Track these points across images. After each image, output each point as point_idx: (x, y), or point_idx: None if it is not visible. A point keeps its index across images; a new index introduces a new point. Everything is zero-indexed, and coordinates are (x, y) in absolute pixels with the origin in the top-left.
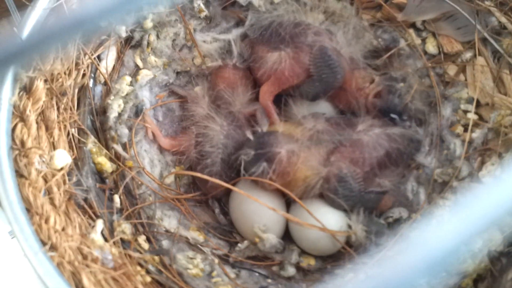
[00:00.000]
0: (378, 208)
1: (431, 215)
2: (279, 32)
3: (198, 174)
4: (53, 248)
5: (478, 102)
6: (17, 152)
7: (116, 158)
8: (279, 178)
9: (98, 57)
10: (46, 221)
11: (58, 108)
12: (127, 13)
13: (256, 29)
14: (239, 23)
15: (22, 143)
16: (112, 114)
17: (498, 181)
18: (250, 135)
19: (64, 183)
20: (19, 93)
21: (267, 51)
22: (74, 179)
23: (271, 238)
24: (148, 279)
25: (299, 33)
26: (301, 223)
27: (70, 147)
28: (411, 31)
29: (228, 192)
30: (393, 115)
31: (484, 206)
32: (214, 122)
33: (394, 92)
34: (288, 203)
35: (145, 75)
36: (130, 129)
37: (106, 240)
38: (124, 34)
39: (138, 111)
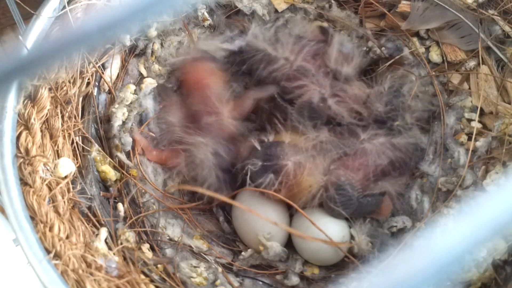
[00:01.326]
0: (380, 212)
1: (435, 223)
2: (253, 71)
3: (200, 189)
4: (57, 256)
5: (482, 110)
6: (21, 160)
7: (120, 166)
8: (286, 189)
9: (103, 65)
10: (50, 229)
11: (62, 117)
12: (132, 23)
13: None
14: (243, 32)
15: (27, 151)
16: (116, 123)
17: (502, 189)
18: (257, 145)
19: (68, 191)
20: (23, 101)
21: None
22: (78, 187)
23: (275, 246)
24: (152, 287)
25: (267, 77)
26: (304, 237)
27: (74, 155)
28: (414, 39)
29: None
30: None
31: (487, 214)
32: (196, 145)
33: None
34: (292, 212)
35: (149, 83)
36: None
37: (110, 248)
38: (128, 43)
39: (142, 120)
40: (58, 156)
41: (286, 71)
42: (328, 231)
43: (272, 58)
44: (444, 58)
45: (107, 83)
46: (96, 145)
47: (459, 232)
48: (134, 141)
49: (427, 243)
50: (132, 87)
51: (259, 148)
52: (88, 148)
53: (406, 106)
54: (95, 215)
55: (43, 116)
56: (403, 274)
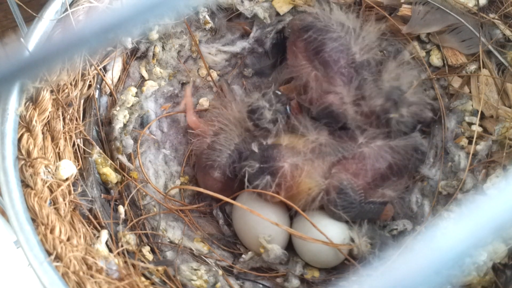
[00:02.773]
0: (380, 218)
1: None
2: (322, 48)
3: (201, 189)
4: (58, 258)
5: (482, 114)
6: (23, 162)
7: (121, 168)
8: (283, 191)
9: (104, 68)
10: (52, 231)
11: (64, 119)
12: (134, 26)
13: (305, 22)
14: (244, 35)
15: (28, 153)
16: (118, 125)
17: (501, 190)
18: (255, 148)
19: (70, 193)
20: (25, 103)
21: (303, 57)
22: (79, 189)
23: (276, 249)
24: None
25: (337, 61)
26: (304, 238)
27: (76, 157)
28: (415, 43)
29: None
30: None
31: (486, 216)
32: (235, 126)
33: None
34: (291, 215)
35: (150, 86)
36: (135, 140)
37: (110, 250)
38: (129, 46)
39: (143, 122)
40: (60, 158)
41: (353, 62)
42: (328, 233)
43: (346, 44)
44: (445, 61)
45: (108, 86)
46: (97, 148)
47: (458, 233)
48: (184, 92)
49: (426, 244)
50: (134, 90)
51: (256, 151)
52: (89, 151)
53: (403, 99)
54: (96, 218)
55: (44, 118)
56: (402, 275)
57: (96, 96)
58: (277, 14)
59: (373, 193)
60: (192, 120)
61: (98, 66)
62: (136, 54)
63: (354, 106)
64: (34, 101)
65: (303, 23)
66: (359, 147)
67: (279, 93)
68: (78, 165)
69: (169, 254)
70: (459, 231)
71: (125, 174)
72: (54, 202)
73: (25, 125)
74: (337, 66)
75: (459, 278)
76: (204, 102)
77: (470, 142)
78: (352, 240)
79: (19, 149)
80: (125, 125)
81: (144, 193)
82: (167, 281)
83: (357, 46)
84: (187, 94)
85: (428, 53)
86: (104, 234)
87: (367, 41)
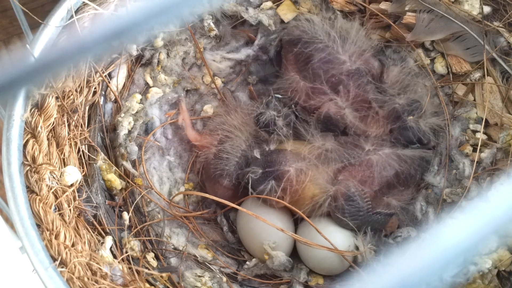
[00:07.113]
0: (385, 228)
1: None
2: (309, 60)
3: (206, 195)
4: (62, 263)
5: (486, 122)
6: (28, 168)
7: (125, 175)
8: (288, 196)
9: (109, 75)
10: (56, 237)
11: (69, 125)
12: (139, 33)
13: (292, 36)
14: (249, 42)
15: (33, 159)
16: (122, 132)
17: (500, 193)
18: (257, 154)
19: (74, 199)
20: (31, 109)
21: (292, 68)
22: (84, 195)
23: (280, 256)
24: None
25: (326, 71)
26: (309, 244)
27: (80, 163)
28: (420, 51)
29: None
30: (413, 146)
31: (485, 216)
32: (241, 132)
33: (406, 128)
34: (296, 221)
35: (155, 93)
36: (139, 146)
37: (115, 256)
38: (134, 53)
39: (148, 129)
40: (64, 165)
41: (344, 71)
42: (333, 240)
43: (333, 53)
44: (449, 69)
45: (113, 92)
46: (102, 154)
47: (456, 234)
48: (179, 108)
49: (426, 247)
50: (138, 97)
51: (258, 157)
52: (94, 157)
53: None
54: (100, 224)
55: (49, 125)
56: (401, 279)
57: (101, 102)
58: (282, 21)
59: (379, 202)
60: (192, 135)
61: (103, 72)
62: (141, 61)
63: (354, 111)
64: (39, 107)
65: (290, 37)
66: (367, 154)
67: (280, 96)
68: (83, 171)
69: (173, 261)
70: (459, 232)
71: (130, 181)
72: (59, 208)
73: (31, 131)
74: (327, 76)
75: (464, 286)
76: (209, 109)
77: (474, 150)
78: (357, 247)
79: (24, 155)
80: (129, 132)
81: (148, 200)
82: (171, 287)
83: (346, 54)
84: (183, 109)
85: (432, 60)
86: (109, 240)
87: (356, 46)
